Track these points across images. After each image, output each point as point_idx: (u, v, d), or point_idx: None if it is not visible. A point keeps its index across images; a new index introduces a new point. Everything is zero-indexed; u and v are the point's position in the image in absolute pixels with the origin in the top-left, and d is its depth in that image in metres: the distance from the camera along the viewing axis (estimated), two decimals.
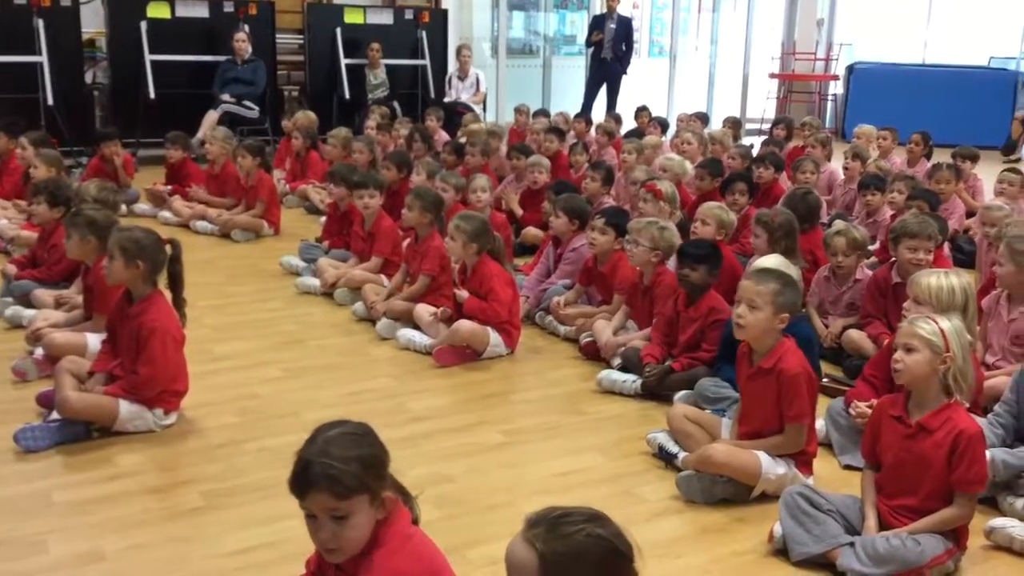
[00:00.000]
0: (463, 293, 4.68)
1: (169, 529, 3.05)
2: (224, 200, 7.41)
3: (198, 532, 3.04)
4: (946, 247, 5.27)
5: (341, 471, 1.95)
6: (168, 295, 3.82)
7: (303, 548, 2.76)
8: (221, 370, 4.41)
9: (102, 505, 3.18)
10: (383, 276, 5.51)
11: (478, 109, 11.36)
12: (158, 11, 10.09)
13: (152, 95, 9.66)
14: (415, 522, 2.17)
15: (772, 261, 4.00)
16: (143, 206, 7.76)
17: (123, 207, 7.12)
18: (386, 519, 2.05)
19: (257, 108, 10.17)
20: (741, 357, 3.37)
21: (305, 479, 1.97)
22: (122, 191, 7.12)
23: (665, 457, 3.56)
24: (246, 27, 10.26)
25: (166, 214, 7.51)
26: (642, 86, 13.41)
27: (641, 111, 10.49)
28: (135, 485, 3.33)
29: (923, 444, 2.83)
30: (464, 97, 11.41)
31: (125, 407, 3.64)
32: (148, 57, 9.77)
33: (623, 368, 4.38)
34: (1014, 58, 14.42)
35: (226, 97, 9.97)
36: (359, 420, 2.13)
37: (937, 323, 2.85)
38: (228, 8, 10.43)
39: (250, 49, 10.18)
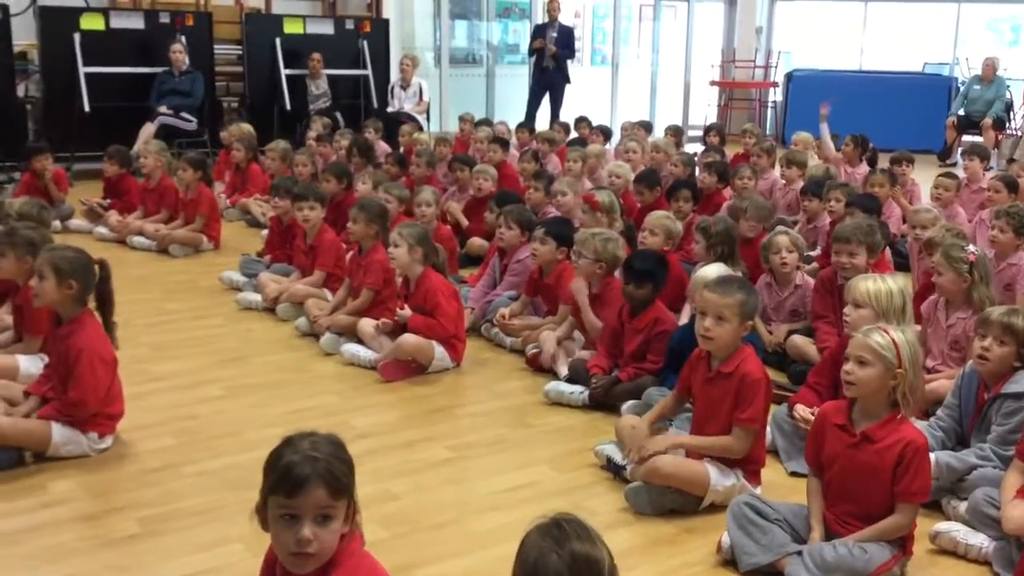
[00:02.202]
0: (405, 312, 4.60)
1: (105, 557, 2.95)
2: (160, 215, 7.25)
3: (135, 560, 2.94)
4: (887, 252, 5.34)
5: (338, 467, 1.95)
6: (97, 318, 3.70)
7: (246, 574, 2.70)
8: (159, 390, 4.29)
9: (34, 534, 3.07)
10: (326, 290, 5.42)
11: (421, 119, 11.31)
12: (92, 23, 9.88)
13: (87, 108, 9.45)
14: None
15: (715, 269, 4.01)
16: (78, 221, 7.57)
17: (57, 223, 6.97)
18: (346, 537, 2.01)
19: (195, 120, 10.01)
20: (697, 362, 3.35)
21: (303, 473, 1.91)
22: (54, 207, 6.95)
23: (613, 469, 3.54)
24: (183, 38, 10.09)
25: (102, 230, 7.33)
26: (585, 94, 13.46)
27: (580, 122, 10.52)
28: (69, 513, 3.22)
29: (868, 454, 2.83)
30: (407, 107, 11.34)
31: (58, 431, 3.52)
32: (82, 69, 9.56)
33: (570, 379, 4.35)
34: (947, 64, 14.76)
35: (163, 109, 9.79)
36: None
37: (891, 335, 2.82)
38: (164, 19, 10.25)
39: (187, 60, 10.01)
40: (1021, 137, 11.98)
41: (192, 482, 3.44)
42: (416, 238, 4.60)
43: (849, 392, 2.87)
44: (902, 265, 6.05)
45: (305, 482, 1.90)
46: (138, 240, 7.05)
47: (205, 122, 10.11)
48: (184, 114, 9.92)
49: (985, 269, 4.14)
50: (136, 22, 10.19)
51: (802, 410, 3.57)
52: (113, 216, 7.36)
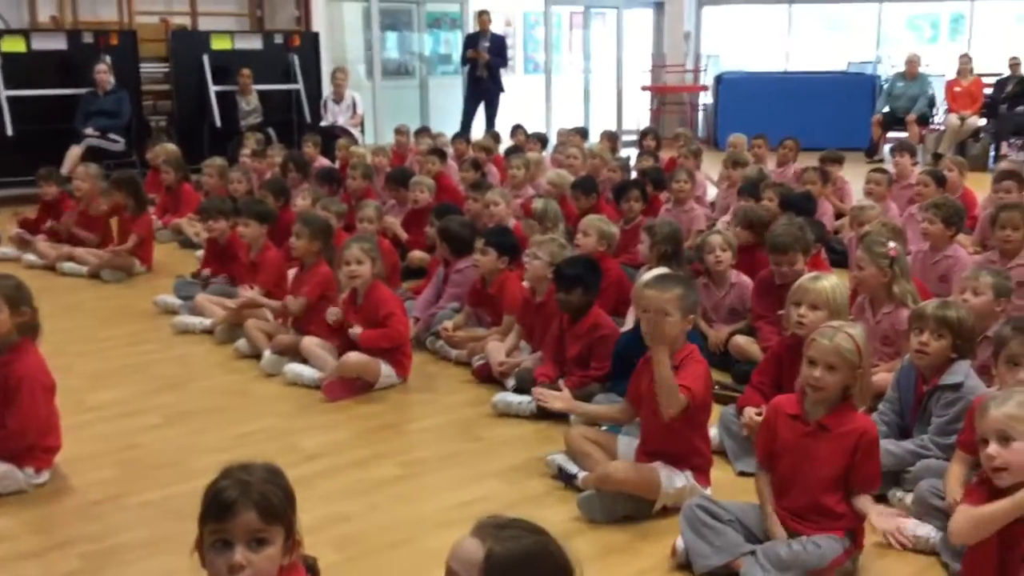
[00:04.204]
0: (356, 330, 4.52)
1: None
2: (93, 238, 7.08)
3: None
4: (823, 250, 5.42)
5: (270, 492, 1.93)
6: None
7: None
8: (96, 420, 4.18)
9: None
10: (267, 310, 5.32)
11: (356, 132, 11.22)
12: (12, 45, 9.64)
13: (9, 132, 9.20)
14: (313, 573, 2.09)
15: (657, 272, 4.02)
16: (5, 249, 7.36)
17: None
18: (286, 569, 1.97)
19: (123, 140, 9.80)
20: (645, 363, 3.34)
21: (232, 496, 1.89)
22: None
23: (565, 478, 3.53)
24: (107, 57, 9.89)
25: (31, 257, 7.13)
26: (519, 102, 13.50)
27: (516, 129, 10.55)
28: (6, 551, 3.11)
29: (822, 442, 2.87)
30: (341, 120, 11.26)
31: None
32: (3, 93, 9.32)
33: (517, 389, 4.34)
34: (870, 62, 15.10)
35: (89, 131, 9.58)
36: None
37: (854, 337, 2.87)
38: (87, 39, 10.03)
39: (113, 80, 9.82)
40: (945, 132, 12.30)
41: (135, 514, 3.35)
42: (376, 252, 4.59)
43: (818, 396, 2.89)
44: (835, 261, 6.15)
45: (234, 504, 1.89)
46: (68, 266, 6.88)
47: (133, 142, 9.91)
48: (111, 135, 9.73)
49: (904, 265, 4.24)
50: (59, 43, 9.96)
51: (750, 412, 3.59)
52: (42, 242, 7.17)
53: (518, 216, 5.74)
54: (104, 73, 9.74)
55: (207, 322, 5.42)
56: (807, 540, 2.84)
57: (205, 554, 1.93)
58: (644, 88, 15.71)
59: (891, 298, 4.19)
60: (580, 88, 15.82)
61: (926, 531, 3.05)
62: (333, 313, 4.58)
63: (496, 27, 12.95)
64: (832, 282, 3.60)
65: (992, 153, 11.93)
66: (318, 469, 3.69)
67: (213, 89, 10.60)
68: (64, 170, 8.82)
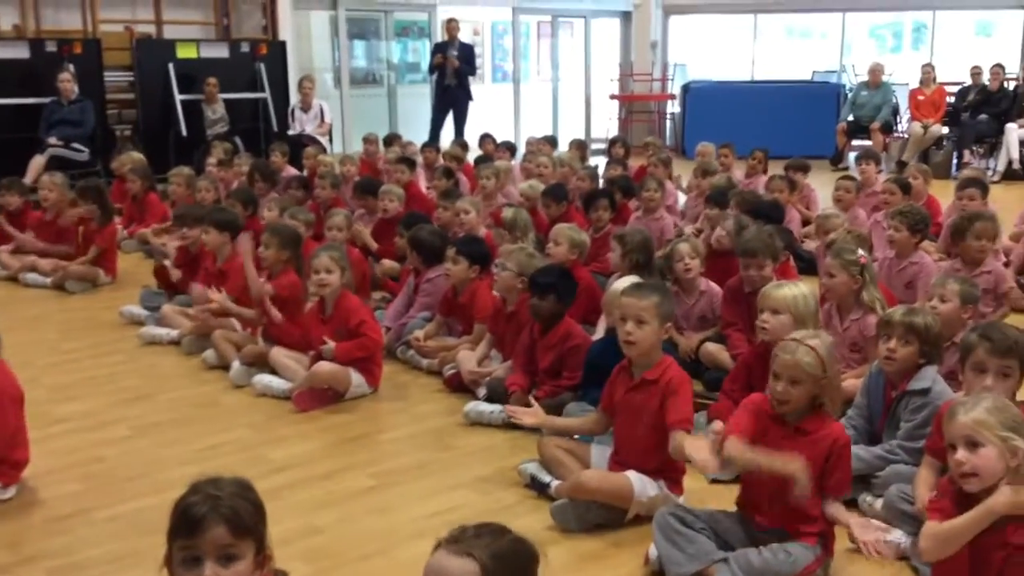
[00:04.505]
0: (329, 346, 4.47)
1: None
2: (60, 249, 6.97)
3: None
4: (791, 258, 5.46)
5: (240, 506, 1.91)
6: None
7: None
8: (62, 433, 4.12)
9: None
10: (235, 320, 5.28)
11: (324, 141, 11.17)
12: None
13: None
14: None
15: (629, 281, 4.04)
16: None
17: None
18: None
19: (87, 150, 9.69)
20: (620, 372, 3.36)
21: (201, 511, 1.88)
22: None
23: (538, 487, 3.53)
24: (71, 66, 9.78)
25: None
26: (488, 111, 13.52)
27: (485, 138, 10.55)
28: None
29: (801, 445, 2.86)
30: (309, 129, 11.20)
31: None
32: None
33: (489, 398, 4.33)
34: (835, 71, 15.28)
35: (52, 140, 9.45)
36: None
37: (812, 347, 2.88)
38: (51, 47, 9.92)
39: (77, 89, 9.70)
40: (908, 140, 12.46)
41: (103, 528, 3.30)
42: (346, 261, 4.58)
43: (781, 408, 2.90)
44: (803, 269, 6.20)
45: (203, 519, 1.87)
46: (31, 277, 6.77)
47: (97, 152, 9.80)
48: (75, 144, 9.60)
49: (872, 271, 4.30)
50: (21, 52, 9.84)
51: (719, 427, 3.58)
52: (4, 253, 7.06)
53: (489, 225, 5.73)
54: (68, 82, 9.63)
55: (174, 333, 5.37)
56: (779, 547, 2.85)
57: (174, 570, 1.91)
58: (612, 97, 15.79)
59: (859, 305, 4.23)
60: (548, 97, 15.87)
61: (896, 536, 3.08)
62: (327, 351, 4.44)
63: (464, 36, 12.97)
64: (798, 290, 3.64)
65: (955, 161, 12.11)
66: (288, 481, 3.66)
67: (179, 98, 10.50)
68: (27, 180, 8.71)
